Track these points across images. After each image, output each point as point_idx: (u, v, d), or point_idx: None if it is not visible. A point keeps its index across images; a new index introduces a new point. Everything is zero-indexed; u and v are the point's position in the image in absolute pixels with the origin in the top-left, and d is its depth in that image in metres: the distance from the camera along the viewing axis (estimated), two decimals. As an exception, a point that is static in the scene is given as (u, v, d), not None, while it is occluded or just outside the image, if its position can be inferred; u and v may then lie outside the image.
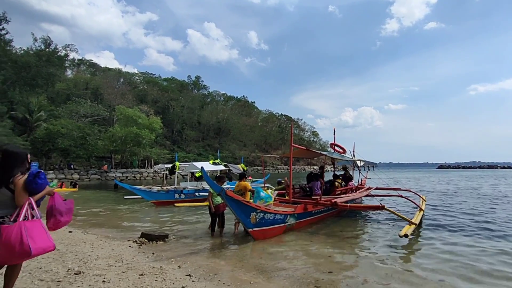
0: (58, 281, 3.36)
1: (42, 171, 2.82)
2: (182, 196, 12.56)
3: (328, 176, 11.06)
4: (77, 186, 21.14)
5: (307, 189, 9.33)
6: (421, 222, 7.59)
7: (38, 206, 2.76)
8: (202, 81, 77.33)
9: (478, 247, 5.59)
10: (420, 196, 10.49)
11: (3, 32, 33.88)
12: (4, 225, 2.48)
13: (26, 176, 2.65)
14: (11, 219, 2.57)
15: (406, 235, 5.82)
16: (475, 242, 6.00)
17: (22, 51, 35.74)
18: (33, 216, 2.63)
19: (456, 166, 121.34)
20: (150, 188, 13.36)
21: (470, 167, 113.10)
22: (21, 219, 2.53)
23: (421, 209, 8.44)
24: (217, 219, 6.39)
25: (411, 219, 7.02)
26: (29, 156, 2.89)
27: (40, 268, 3.80)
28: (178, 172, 14.52)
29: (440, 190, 18.25)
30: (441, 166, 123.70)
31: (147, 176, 37.18)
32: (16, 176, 2.63)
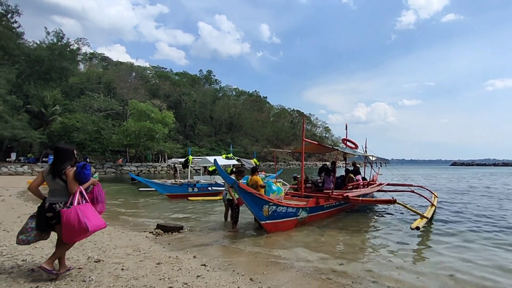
0: (79, 268, 3.49)
1: (88, 163, 3.32)
2: (195, 189, 12.76)
3: (340, 172, 11.04)
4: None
5: (319, 183, 9.29)
6: (432, 217, 7.57)
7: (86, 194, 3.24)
8: (214, 76, 77.37)
9: (488, 247, 5.42)
10: (432, 193, 10.42)
11: (15, 25, 34.64)
12: (63, 210, 2.97)
13: (75, 168, 3.13)
14: (67, 205, 3.03)
15: (417, 228, 5.85)
16: (485, 242, 5.81)
17: (35, 45, 36.54)
18: (84, 200, 3.13)
19: (470, 164, 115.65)
20: (164, 182, 13.63)
21: (484, 165, 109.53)
22: (75, 204, 3.00)
23: (433, 205, 8.42)
24: (232, 210, 6.39)
25: (423, 213, 7.03)
26: (75, 151, 3.36)
27: (62, 255, 3.96)
28: (191, 166, 14.73)
29: (451, 188, 17.85)
30: (455, 163, 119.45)
31: (161, 170, 37.89)
32: (67, 168, 3.12)
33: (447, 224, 7.39)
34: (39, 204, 3.18)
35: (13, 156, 30.98)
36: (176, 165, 18.02)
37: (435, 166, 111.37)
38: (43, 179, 3.15)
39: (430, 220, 7.17)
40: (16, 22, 34.36)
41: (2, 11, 32.82)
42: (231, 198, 6.27)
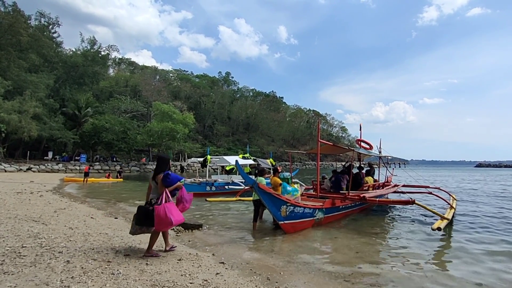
0: (108, 261, 3.74)
1: (170, 172, 4.12)
2: (213, 188, 13.06)
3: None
4: (121, 174, 23.44)
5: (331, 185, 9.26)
6: (452, 220, 7.32)
7: (173, 195, 4.07)
8: (232, 77, 78.61)
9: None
10: (450, 195, 10.09)
11: (55, 35, 37.55)
12: (155, 205, 3.85)
13: (163, 174, 3.97)
14: (158, 202, 3.89)
15: (439, 228, 5.76)
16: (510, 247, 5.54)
17: (71, 52, 39.29)
18: (169, 200, 3.91)
19: (497, 165, 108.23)
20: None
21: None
22: (163, 202, 3.85)
23: (452, 207, 8.19)
24: (257, 209, 6.51)
25: (442, 214, 6.88)
26: (170, 160, 4.19)
27: (93, 249, 4.26)
28: (210, 166, 15.09)
29: (473, 190, 16.98)
30: (480, 165, 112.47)
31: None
32: (160, 174, 3.98)
33: (469, 228, 7.12)
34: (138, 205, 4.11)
35: (50, 154, 33.46)
36: (182, 165, 18.54)
37: (458, 167, 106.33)
38: (149, 182, 4.14)
39: (450, 223, 6.97)
40: (55, 32, 37.34)
41: (45, 23, 35.70)
42: (258, 198, 6.25)
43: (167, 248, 4.29)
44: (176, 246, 4.51)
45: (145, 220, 3.92)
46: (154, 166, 4.10)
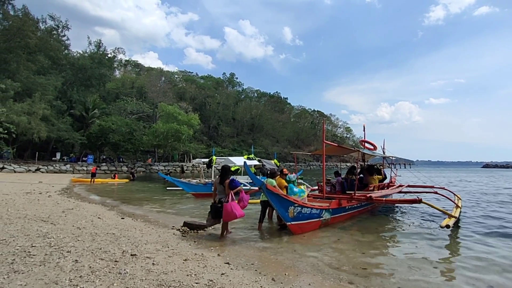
0: (115, 261, 3.80)
1: (235, 178, 5.63)
2: None
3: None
4: (135, 176, 24.10)
5: (333, 186, 9.25)
6: (458, 219, 7.21)
7: (236, 195, 5.42)
8: (237, 78, 78.81)
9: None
10: (455, 195, 9.97)
11: (64, 38, 38.24)
12: (224, 203, 5.25)
13: (229, 180, 5.40)
14: (226, 200, 5.28)
15: (448, 226, 5.75)
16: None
17: (78, 54, 39.93)
18: (233, 199, 5.28)
19: (505, 166, 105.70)
20: (189, 181, 14.17)
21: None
22: (229, 200, 5.23)
23: (458, 206, 8.08)
24: (263, 210, 6.59)
25: (450, 213, 6.83)
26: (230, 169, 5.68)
27: (100, 249, 4.32)
28: (215, 166, 15.15)
29: (478, 191, 16.69)
30: (487, 165, 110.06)
31: (186, 170, 39.20)
32: (226, 179, 5.42)
33: (476, 228, 7.03)
34: (211, 203, 5.63)
35: (58, 155, 33.95)
36: (182, 166, 18.71)
37: (464, 168, 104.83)
38: (216, 185, 5.63)
39: (457, 223, 6.90)
40: (65, 35, 38.03)
41: (55, 26, 36.38)
42: (266, 199, 6.30)
43: (226, 234, 5.63)
44: (231, 232, 5.86)
45: (216, 214, 5.44)
46: (219, 174, 5.69)
